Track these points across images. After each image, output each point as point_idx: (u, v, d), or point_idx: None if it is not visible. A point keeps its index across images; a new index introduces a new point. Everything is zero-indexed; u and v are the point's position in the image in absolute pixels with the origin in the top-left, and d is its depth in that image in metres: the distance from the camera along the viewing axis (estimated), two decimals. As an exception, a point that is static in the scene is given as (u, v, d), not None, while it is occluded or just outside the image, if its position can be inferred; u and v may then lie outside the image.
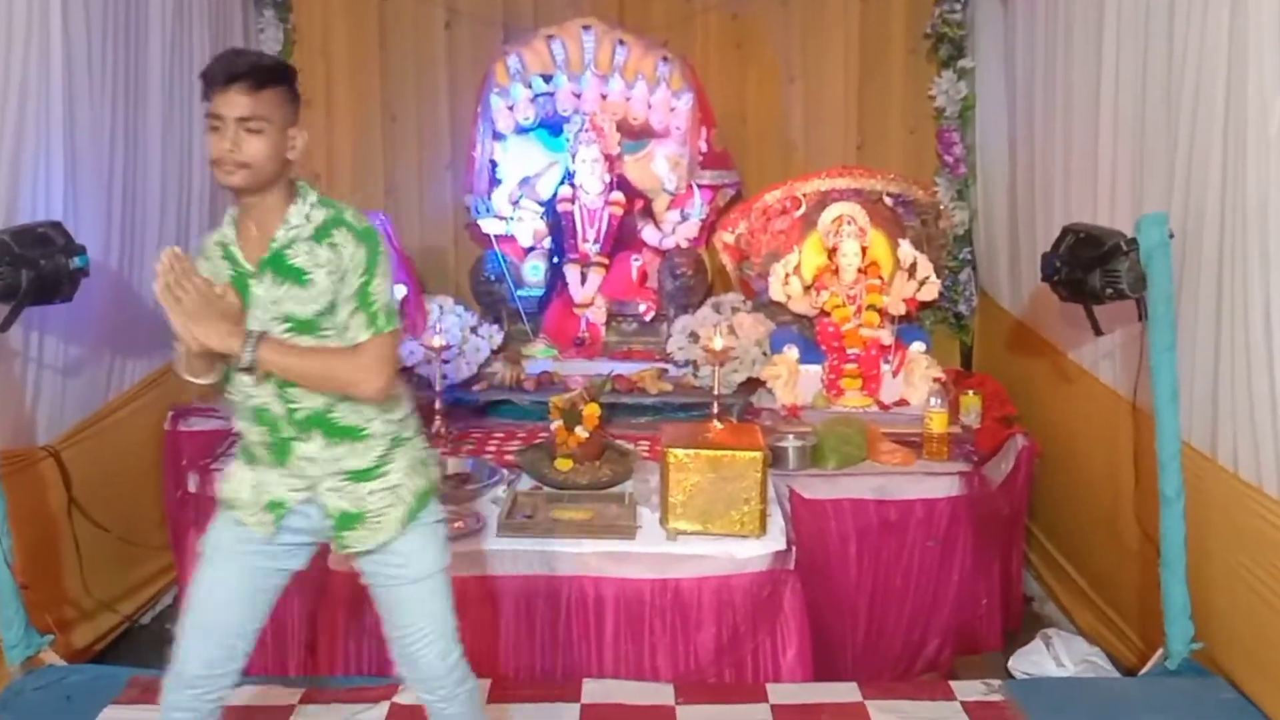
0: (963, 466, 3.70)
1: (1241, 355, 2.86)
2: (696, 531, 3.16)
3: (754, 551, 3.12)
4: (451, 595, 2.33)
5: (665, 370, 4.49)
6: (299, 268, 2.12)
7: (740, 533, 3.14)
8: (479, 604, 3.15)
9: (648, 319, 4.79)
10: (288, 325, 2.13)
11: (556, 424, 3.61)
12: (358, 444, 2.21)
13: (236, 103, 2.06)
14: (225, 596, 2.24)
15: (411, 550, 2.26)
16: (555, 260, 4.86)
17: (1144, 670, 3.30)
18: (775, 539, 3.16)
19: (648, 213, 4.92)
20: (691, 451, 3.14)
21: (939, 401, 3.78)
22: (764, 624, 3.12)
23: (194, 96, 4.45)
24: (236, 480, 2.28)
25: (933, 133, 5.22)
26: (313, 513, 2.24)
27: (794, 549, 3.17)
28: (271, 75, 2.11)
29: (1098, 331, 3.33)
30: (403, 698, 3.00)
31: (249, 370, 2.08)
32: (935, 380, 4.07)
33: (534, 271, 4.92)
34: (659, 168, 4.86)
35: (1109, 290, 3.17)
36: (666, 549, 3.14)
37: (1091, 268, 3.19)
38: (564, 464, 3.57)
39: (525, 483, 3.60)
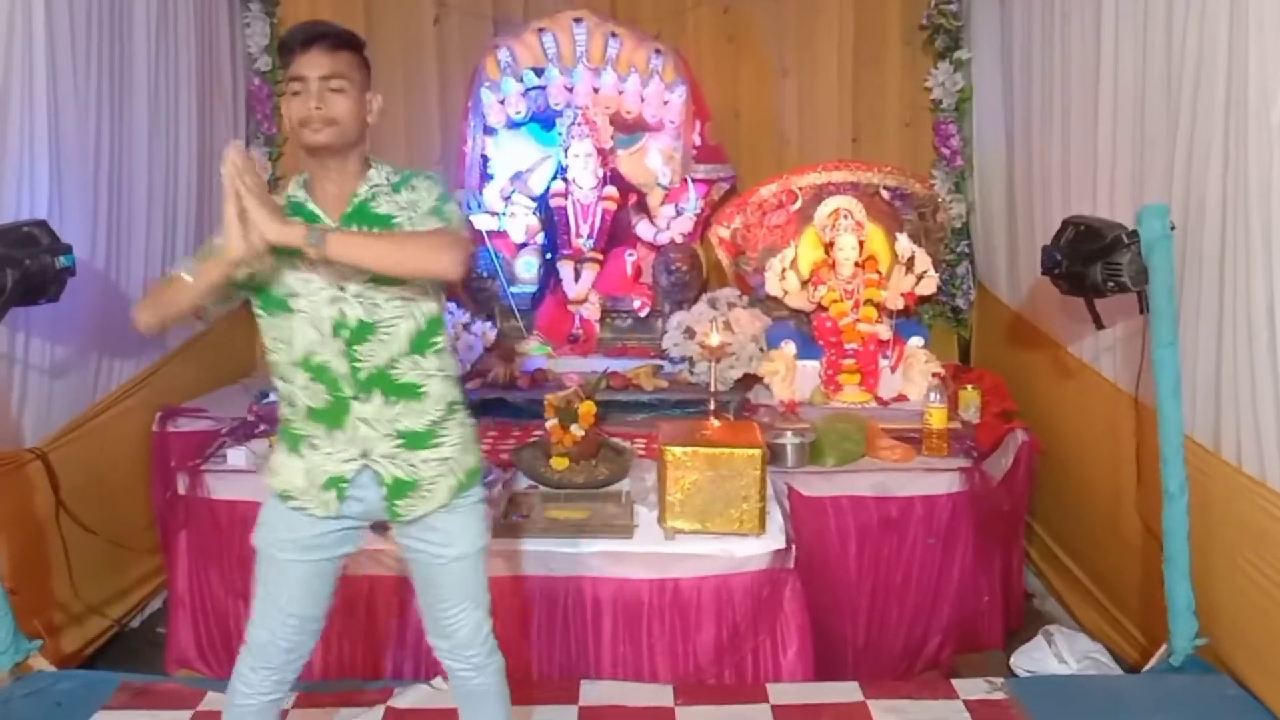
0: (963, 463, 3.70)
1: (1245, 348, 2.85)
2: (695, 530, 3.15)
3: (753, 550, 3.11)
4: (486, 571, 2.38)
5: (661, 367, 4.48)
6: (384, 214, 2.20)
7: (739, 531, 3.13)
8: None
9: (643, 315, 4.78)
10: (370, 276, 2.15)
11: (552, 422, 3.60)
12: (414, 403, 2.24)
13: (319, 62, 2.11)
14: (290, 593, 2.29)
15: (455, 528, 2.30)
16: (548, 256, 4.85)
17: (1147, 667, 3.30)
18: (775, 537, 3.15)
19: (642, 207, 4.90)
20: (689, 449, 3.13)
21: (938, 397, 3.77)
22: (764, 623, 3.11)
23: (180, 92, 4.49)
24: (287, 470, 2.29)
25: (929, 125, 5.22)
26: (368, 487, 2.26)
27: (794, 547, 3.16)
28: (348, 39, 2.18)
29: (1099, 325, 3.32)
30: (398, 701, 3.00)
31: (314, 262, 2.09)
32: (934, 376, 4.06)
33: (527, 268, 4.90)
34: (653, 162, 4.85)
35: (1110, 283, 3.16)
36: (664, 548, 3.13)
37: (1092, 260, 3.18)
38: (560, 463, 3.56)
39: (521, 482, 3.59)
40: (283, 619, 2.30)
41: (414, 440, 2.25)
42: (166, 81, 4.39)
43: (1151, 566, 3.35)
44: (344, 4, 5.22)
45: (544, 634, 3.14)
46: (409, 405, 2.24)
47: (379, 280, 2.16)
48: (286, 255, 2.13)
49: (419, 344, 2.24)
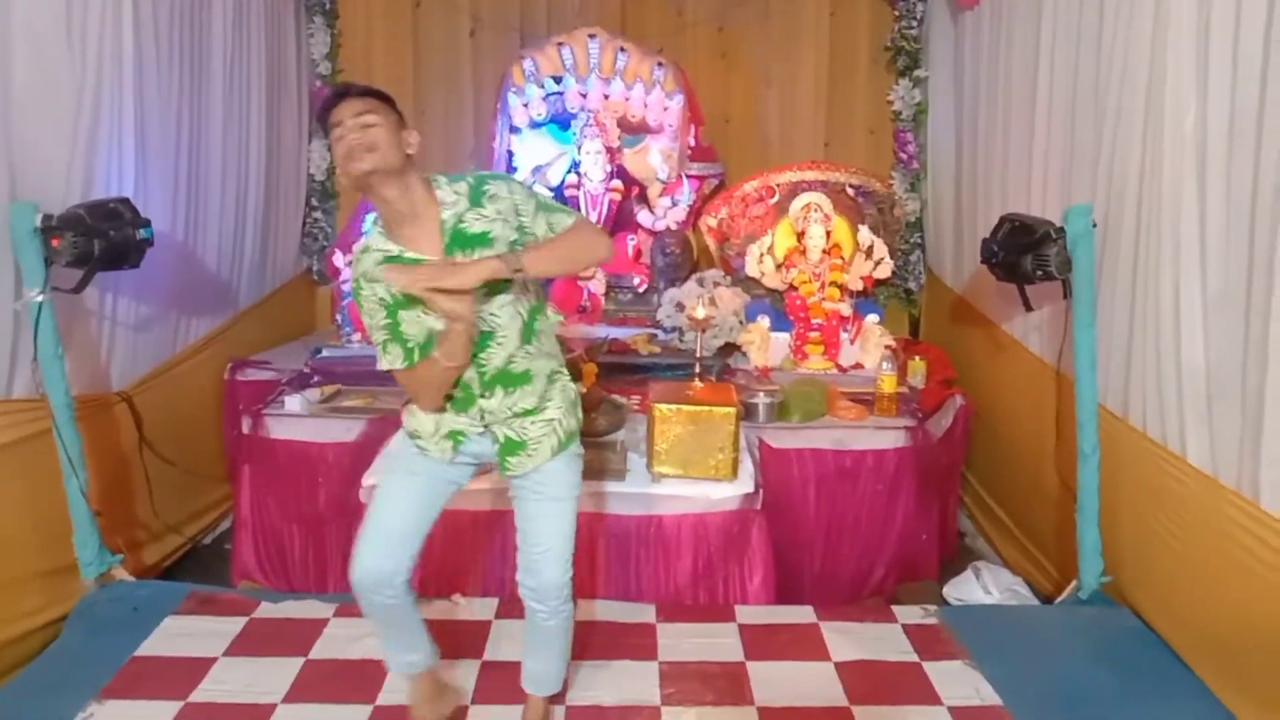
0: (909, 422, 3.64)
1: (1153, 329, 2.81)
2: (677, 475, 3.09)
3: (726, 493, 3.06)
4: (576, 524, 2.31)
5: (655, 335, 4.41)
6: (480, 232, 2.05)
7: (715, 477, 3.08)
8: (488, 533, 3.10)
9: (641, 290, 4.71)
10: (482, 290, 2.02)
11: (559, 380, 3.54)
12: (528, 386, 2.19)
13: (352, 106, 1.99)
14: (406, 503, 2.24)
15: (556, 474, 2.25)
16: (563, 239, 4.77)
17: (1059, 600, 3.26)
18: (745, 483, 3.09)
19: (643, 198, 4.82)
20: (674, 406, 3.07)
21: (890, 366, 3.71)
22: (734, 555, 3.07)
23: (251, 88, 4.41)
24: (420, 417, 2.24)
25: (890, 133, 5.13)
26: (484, 441, 2.23)
27: (761, 492, 3.11)
28: (377, 93, 2.06)
29: (1028, 307, 3.25)
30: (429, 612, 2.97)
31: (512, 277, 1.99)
32: (887, 348, 3.99)
33: (544, 248, 4.83)
34: (653, 160, 4.76)
35: (1039, 272, 3.09)
36: (651, 489, 3.08)
37: (1024, 252, 3.11)
38: (565, 414, 3.50)
39: (532, 430, 3.54)
40: (384, 536, 2.21)
41: (527, 412, 2.21)
42: (239, 79, 4.31)
43: (1065, 514, 3.33)
44: (395, 17, 5.16)
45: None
46: (524, 390, 2.19)
47: (490, 291, 2.06)
48: (413, 305, 2.04)
49: (526, 335, 2.16)
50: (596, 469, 3.16)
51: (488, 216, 2.05)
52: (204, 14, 3.98)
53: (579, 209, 4.67)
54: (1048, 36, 3.53)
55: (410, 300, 2.03)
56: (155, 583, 3.33)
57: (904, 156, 5.06)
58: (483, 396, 2.16)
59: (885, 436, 3.58)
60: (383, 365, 2.15)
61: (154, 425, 3.68)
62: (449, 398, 2.17)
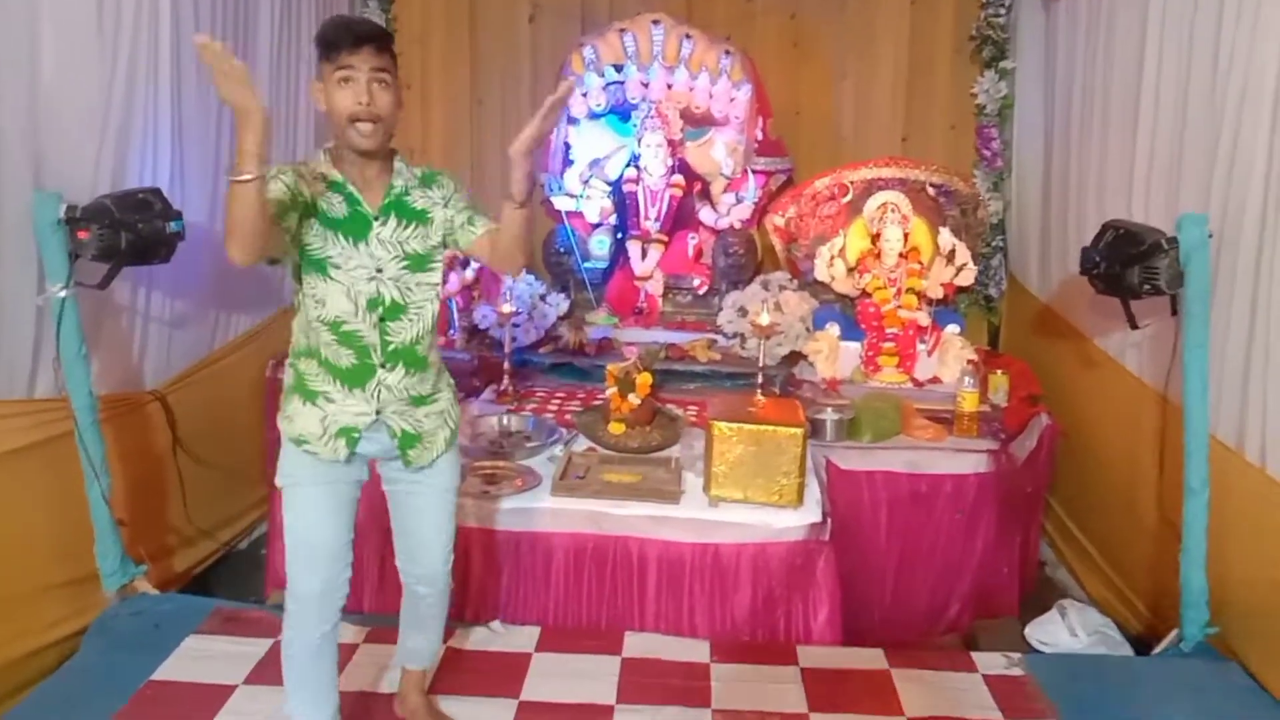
0: (991, 444, 3.34)
1: (1276, 354, 2.51)
2: (736, 500, 2.85)
3: (791, 522, 2.81)
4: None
5: (715, 341, 4.17)
6: (421, 209, 2.14)
7: (778, 503, 2.83)
8: (531, 557, 2.89)
9: (701, 293, 4.46)
10: (406, 263, 2.12)
11: (611, 390, 3.32)
12: (424, 373, 2.21)
13: (368, 57, 2.00)
14: (318, 517, 2.17)
15: (447, 465, 2.29)
16: (619, 236, 4.53)
17: (1158, 650, 2.94)
18: (811, 511, 2.83)
19: (705, 195, 4.56)
20: (735, 425, 2.82)
21: (971, 382, 3.41)
22: (797, 590, 2.81)
23: (300, 73, 4.23)
24: (302, 418, 2.16)
25: (972, 128, 4.79)
26: (378, 435, 2.19)
27: (829, 521, 2.84)
28: (390, 39, 2.08)
29: (1133, 325, 2.94)
30: (458, 642, 2.78)
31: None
32: (969, 362, 3.68)
33: (600, 245, 4.60)
34: (717, 153, 4.50)
35: (1147, 286, 2.80)
36: (708, 515, 2.84)
37: (1130, 264, 2.81)
38: (617, 428, 3.27)
39: (580, 443, 3.31)
40: (309, 557, 2.16)
41: (419, 400, 2.21)
42: (287, 66, 4.14)
43: (1163, 551, 3.03)
44: (453, 4, 4.96)
45: (593, 587, 2.86)
46: (421, 376, 2.21)
47: (413, 266, 2.13)
48: (333, 229, 2.06)
49: (433, 324, 2.21)
50: (648, 489, 2.93)
51: (431, 198, 2.15)
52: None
53: (638, 204, 4.44)
54: (1155, 31, 3.21)
55: (326, 219, 2.05)
56: (179, 596, 3.17)
57: (987, 154, 4.73)
58: (383, 367, 2.14)
59: (965, 460, 3.30)
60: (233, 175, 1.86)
61: (189, 425, 3.53)
62: (341, 374, 2.12)
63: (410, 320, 2.14)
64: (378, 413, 2.15)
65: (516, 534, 2.87)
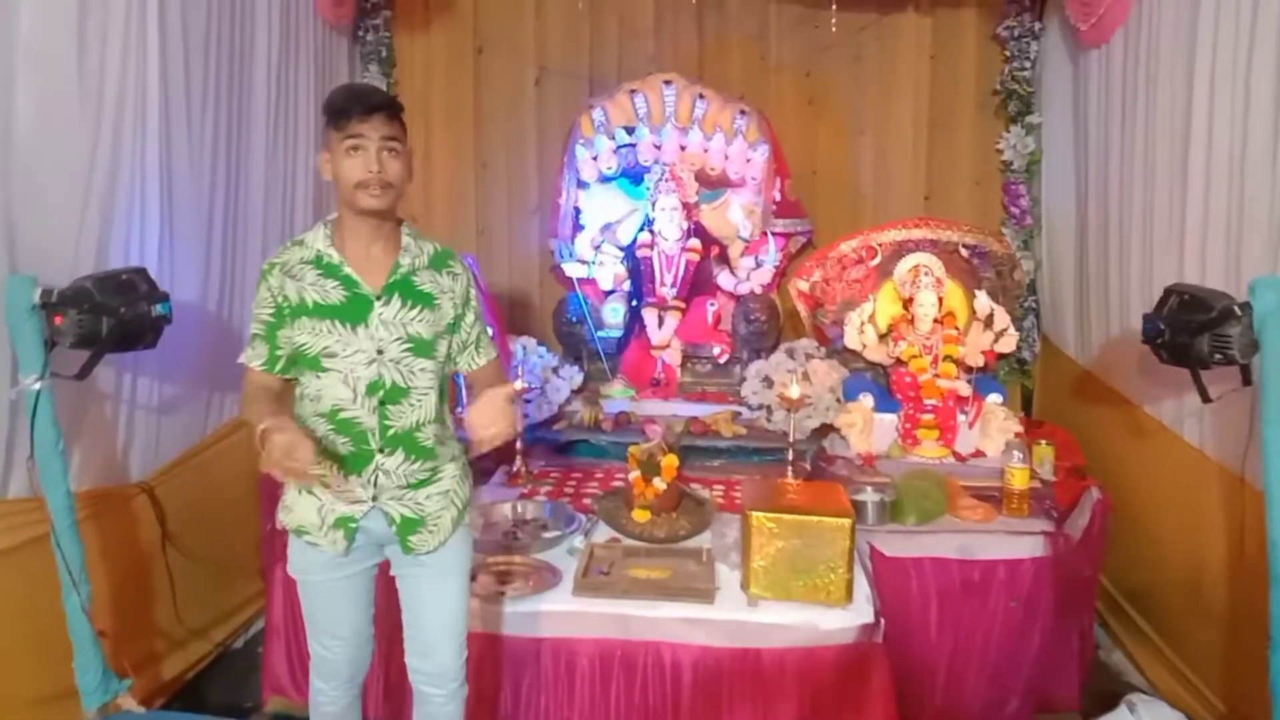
0: (1046, 526, 3.08)
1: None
2: (778, 598, 2.59)
3: (840, 623, 2.54)
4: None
5: (739, 413, 3.93)
6: (428, 292, 2.07)
7: (825, 601, 2.56)
8: (554, 665, 2.61)
9: (722, 361, 4.23)
10: (408, 346, 2.05)
11: (635, 474, 3.07)
12: (428, 461, 2.12)
13: (379, 126, 1.96)
14: (338, 605, 2.16)
15: (455, 549, 2.18)
16: (634, 303, 4.32)
17: (1249, 756, 2.66)
18: (862, 609, 2.57)
19: (723, 259, 4.36)
20: (775, 515, 2.57)
21: (1021, 457, 3.16)
22: (848, 700, 2.53)
23: (298, 145, 4.03)
24: (300, 507, 2.11)
25: (998, 185, 4.61)
26: (377, 523, 2.11)
27: (882, 622, 2.57)
28: (400, 108, 2.04)
29: (1206, 399, 2.69)
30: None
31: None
32: (1016, 435, 3.44)
33: (613, 313, 4.38)
34: (734, 216, 4.32)
35: (1218, 356, 2.56)
36: (747, 616, 2.57)
37: (1199, 332, 2.58)
38: (641, 515, 3.02)
39: (601, 531, 3.06)
40: (330, 638, 2.19)
41: (419, 483, 2.12)
42: (285, 132, 3.94)
43: (1237, 640, 2.80)
44: (455, 64, 4.79)
45: (622, 700, 2.58)
46: (424, 464, 2.11)
47: (416, 350, 2.05)
48: (327, 317, 2.00)
49: (440, 412, 2.13)
50: (678, 587, 2.66)
51: (440, 286, 2.09)
52: (244, 59, 3.61)
53: (653, 270, 4.23)
54: (1204, 77, 3.02)
55: (320, 309, 1.99)
56: (165, 714, 2.90)
57: (1015, 211, 4.54)
58: (381, 452, 2.06)
59: (1019, 544, 3.04)
60: (243, 359, 2.08)
61: (180, 518, 3.28)
62: (336, 457, 2.04)
63: (412, 405, 2.07)
64: (374, 499, 2.07)
65: (536, 640, 2.60)
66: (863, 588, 2.65)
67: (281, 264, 2.04)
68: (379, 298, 2.01)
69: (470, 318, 2.15)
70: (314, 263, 2.03)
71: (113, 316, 2.54)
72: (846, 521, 2.54)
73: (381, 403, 2.03)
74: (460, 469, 2.21)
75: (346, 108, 1.95)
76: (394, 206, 2.03)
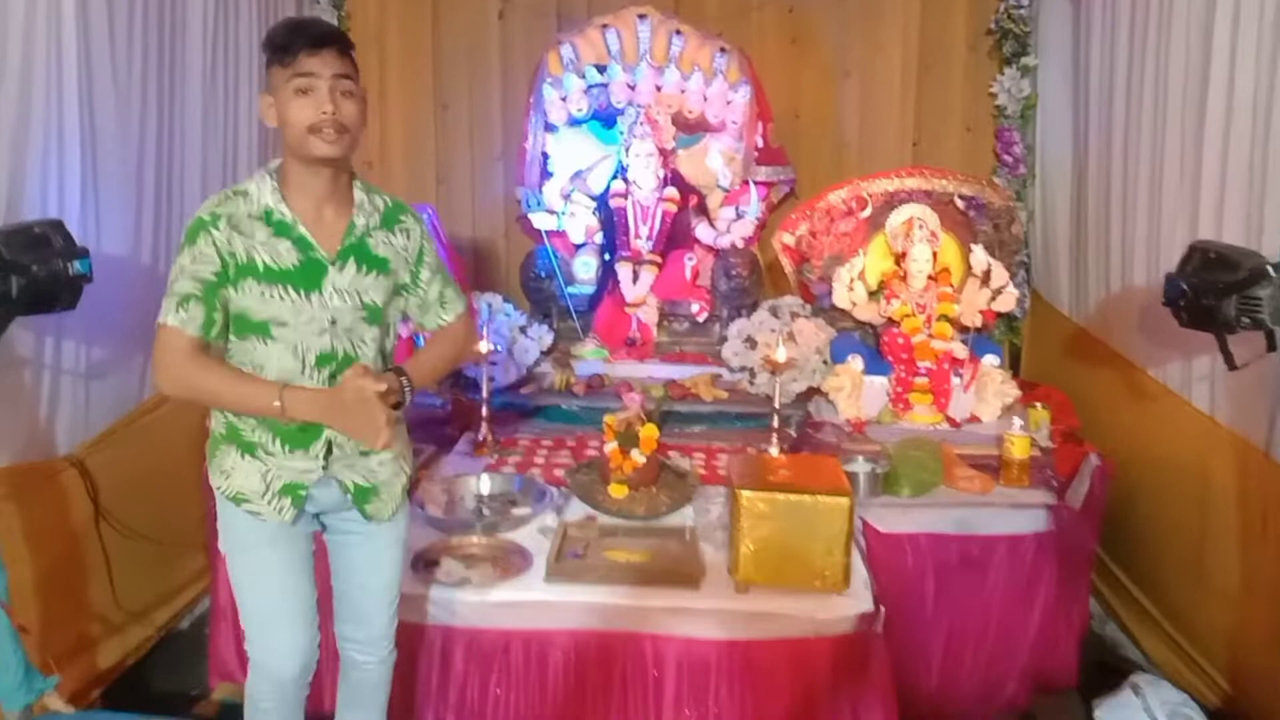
0: (1047, 498, 2.90)
1: None
2: (769, 584, 2.38)
3: (837, 612, 2.34)
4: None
5: (719, 375, 3.70)
6: (383, 257, 1.95)
7: (820, 588, 2.36)
8: (524, 659, 2.40)
9: (700, 320, 3.96)
10: (363, 314, 1.92)
11: (611, 446, 2.84)
12: None
13: (332, 62, 1.80)
14: (274, 583, 2.00)
15: (403, 517, 2.13)
16: (607, 257, 4.03)
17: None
18: (860, 597, 2.37)
19: (701, 209, 4.09)
20: (765, 495, 2.34)
21: (1022, 425, 2.97)
22: (845, 694, 2.34)
23: (240, 82, 3.71)
24: (241, 473, 1.95)
25: (990, 131, 4.37)
26: (328, 490, 1.99)
27: (881, 610, 2.38)
28: (351, 44, 1.88)
29: (1232, 365, 2.50)
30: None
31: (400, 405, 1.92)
32: (1017, 400, 3.24)
33: (585, 268, 4.11)
34: (713, 162, 4.05)
35: (1245, 319, 2.36)
36: (735, 604, 2.36)
37: (1226, 293, 2.38)
38: (619, 490, 2.79)
39: (575, 507, 2.83)
40: (276, 624, 2.01)
41: (370, 450, 1.97)
42: (225, 70, 3.62)
43: (1246, 619, 2.66)
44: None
45: (599, 697, 2.36)
46: None
47: (370, 319, 1.93)
48: (279, 282, 1.84)
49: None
50: (662, 571, 2.45)
51: (394, 246, 1.97)
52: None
53: (626, 222, 3.96)
54: (1226, 18, 2.79)
55: (271, 273, 1.83)
56: (97, 715, 2.66)
57: (1008, 159, 4.30)
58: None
59: (1020, 517, 2.85)
60: (165, 319, 1.85)
61: (114, 492, 3.02)
62: (281, 432, 1.90)
63: None
64: (324, 468, 1.95)
65: (505, 633, 2.38)
66: (860, 572, 2.45)
67: (227, 216, 1.84)
68: (333, 263, 1.87)
69: (426, 274, 2.03)
70: (263, 219, 1.85)
71: (23, 275, 2.28)
72: (845, 501, 2.32)
73: (332, 375, 1.90)
74: (404, 438, 2.12)
75: (290, 42, 1.78)
76: (349, 154, 1.88)
